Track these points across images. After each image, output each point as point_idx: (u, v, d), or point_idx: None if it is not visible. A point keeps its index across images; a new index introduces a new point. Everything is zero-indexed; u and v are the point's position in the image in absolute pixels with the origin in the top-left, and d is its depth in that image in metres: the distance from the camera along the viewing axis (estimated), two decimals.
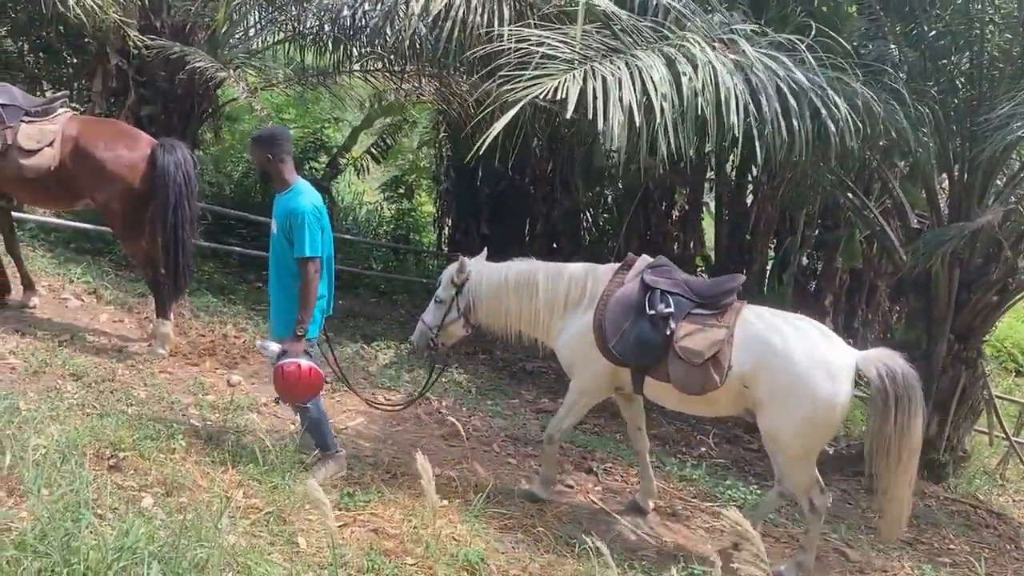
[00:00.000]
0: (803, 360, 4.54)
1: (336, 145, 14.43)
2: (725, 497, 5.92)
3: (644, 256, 5.15)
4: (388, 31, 8.94)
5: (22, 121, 6.19)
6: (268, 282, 4.91)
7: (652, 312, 4.77)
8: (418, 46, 8.77)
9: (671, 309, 4.76)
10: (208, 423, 5.22)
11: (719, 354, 4.59)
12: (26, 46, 10.29)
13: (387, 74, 10.19)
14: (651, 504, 5.51)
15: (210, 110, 10.45)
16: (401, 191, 16.01)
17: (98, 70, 9.61)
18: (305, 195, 4.63)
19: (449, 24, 7.58)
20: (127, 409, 4.99)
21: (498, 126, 4.76)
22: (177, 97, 9.79)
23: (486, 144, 4.79)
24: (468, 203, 13.65)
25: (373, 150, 15.08)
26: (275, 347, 4.60)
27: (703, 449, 7.54)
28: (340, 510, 4.42)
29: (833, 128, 5.92)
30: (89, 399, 4.86)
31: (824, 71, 5.98)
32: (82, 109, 10.01)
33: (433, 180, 15.49)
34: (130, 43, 8.68)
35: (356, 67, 10.43)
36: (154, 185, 6.10)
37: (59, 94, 7.13)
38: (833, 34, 6.30)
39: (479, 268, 5.36)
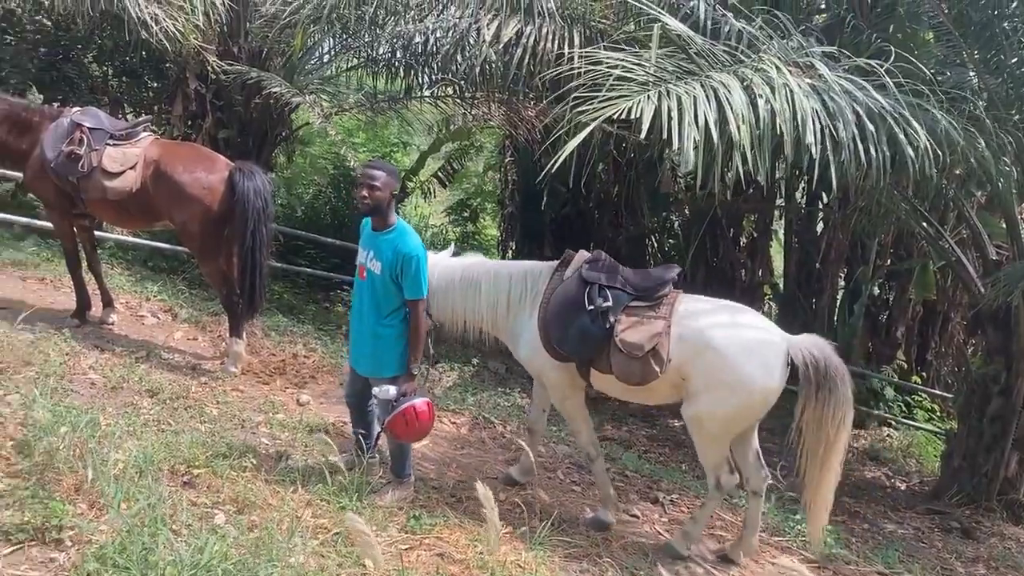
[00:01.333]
0: (737, 351, 4.67)
1: (404, 169, 14.63)
2: (794, 532, 5.77)
3: (582, 252, 5.22)
4: (459, 58, 9.04)
5: (107, 144, 6.37)
6: (354, 316, 4.88)
7: (591, 307, 4.85)
8: (488, 72, 8.84)
9: (609, 303, 4.84)
10: (278, 442, 5.29)
11: (658, 346, 4.69)
12: (110, 71, 10.65)
13: (457, 100, 10.29)
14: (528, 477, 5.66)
15: (284, 134, 10.67)
16: (466, 214, 16.17)
17: (178, 94, 9.89)
18: (412, 236, 4.66)
19: (520, 51, 7.67)
20: (200, 426, 5.08)
21: (570, 146, 4.76)
22: (252, 121, 10.02)
23: (556, 165, 4.80)
24: (532, 227, 13.66)
25: (440, 174, 15.27)
26: (394, 390, 4.59)
27: (771, 482, 7.36)
28: (406, 533, 4.42)
29: (912, 155, 5.78)
30: (164, 416, 4.96)
31: (904, 96, 5.85)
32: (162, 132, 10.34)
33: (498, 204, 15.57)
34: (209, 68, 8.94)
35: (426, 93, 10.58)
36: (231, 207, 6.24)
37: (143, 118, 7.31)
38: (912, 59, 6.17)
39: (435, 262, 5.32)
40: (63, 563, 3.17)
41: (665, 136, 4.88)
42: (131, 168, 6.31)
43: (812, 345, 4.73)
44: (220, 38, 9.36)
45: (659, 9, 5.82)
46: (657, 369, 4.69)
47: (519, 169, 13.60)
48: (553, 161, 4.90)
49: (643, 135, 4.84)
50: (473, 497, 5.18)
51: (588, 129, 4.87)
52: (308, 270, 10.87)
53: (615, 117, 4.91)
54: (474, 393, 7.88)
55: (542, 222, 13.52)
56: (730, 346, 4.68)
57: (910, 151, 5.78)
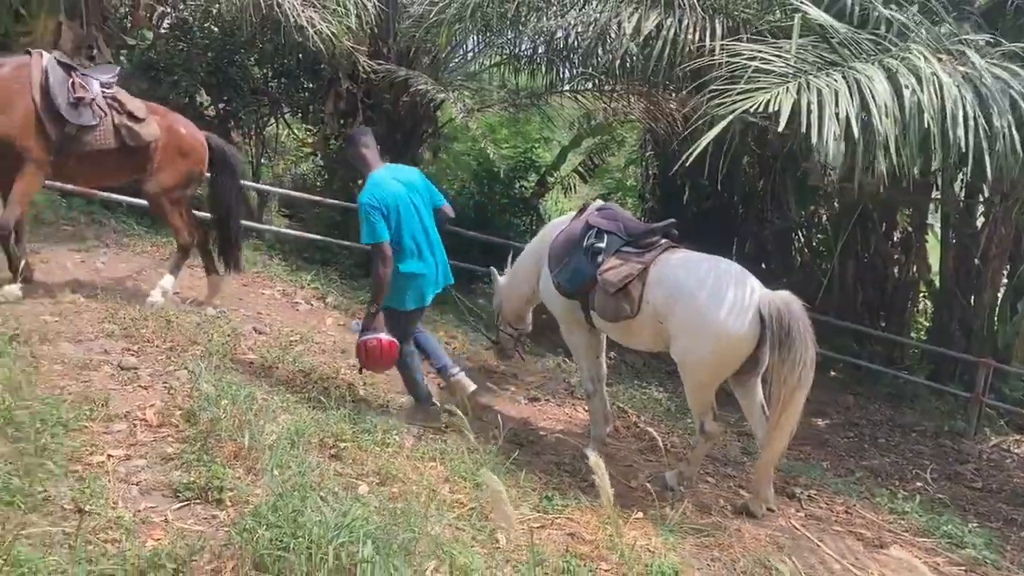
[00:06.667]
0: (707, 296, 4.90)
1: (545, 164, 14.79)
2: (940, 533, 5.54)
3: (598, 201, 5.89)
4: (599, 52, 9.11)
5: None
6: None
7: (586, 246, 5.35)
8: (628, 65, 8.87)
9: (603, 244, 5.32)
10: (419, 422, 5.54)
11: (629, 285, 5.10)
12: (270, 73, 11.31)
13: (596, 93, 10.36)
14: (609, 427, 6.06)
15: (429, 131, 11.04)
16: None
17: (330, 93, 10.43)
18: (368, 187, 5.26)
19: (660, 43, 7.66)
20: (348, 405, 5.38)
21: (706, 139, 4.77)
22: (400, 118, 10.43)
23: (692, 158, 4.82)
24: (676, 224, 13.51)
25: (580, 169, 15.32)
26: (355, 324, 5.48)
27: (919, 484, 7.07)
28: (539, 512, 4.56)
29: None
30: (315, 394, 5.28)
31: None
32: (316, 131, 10.91)
33: (639, 198, 15.50)
34: (360, 68, 9.38)
35: (567, 87, 10.69)
36: None
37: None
38: None
39: (503, 276, 6.51)
40: (223, 519, 3.47)
41: (804, 129, 4.81)
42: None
43: (782, 301, 4.82)
44: (371, 39, 9.81)
45: None
46: (627, 307, 5.12)
47: (659, 163, 13.49)
48: (687, 155, 4.94)
49: (781, 128, 4.78)
50: None
51: (723, 123, 4.87)
52: (451, 262, 11.17)
53: (752, 110, 4.88)
54: (609, 384, 7.91)
55: (684, 217, 13.33)
56: (700, 292, 4.93)
57: None
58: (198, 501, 3.60)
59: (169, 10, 10.58)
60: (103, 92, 6.18)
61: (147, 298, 6.34)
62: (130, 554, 3.01)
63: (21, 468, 3.38)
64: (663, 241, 5.36)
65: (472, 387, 5.72)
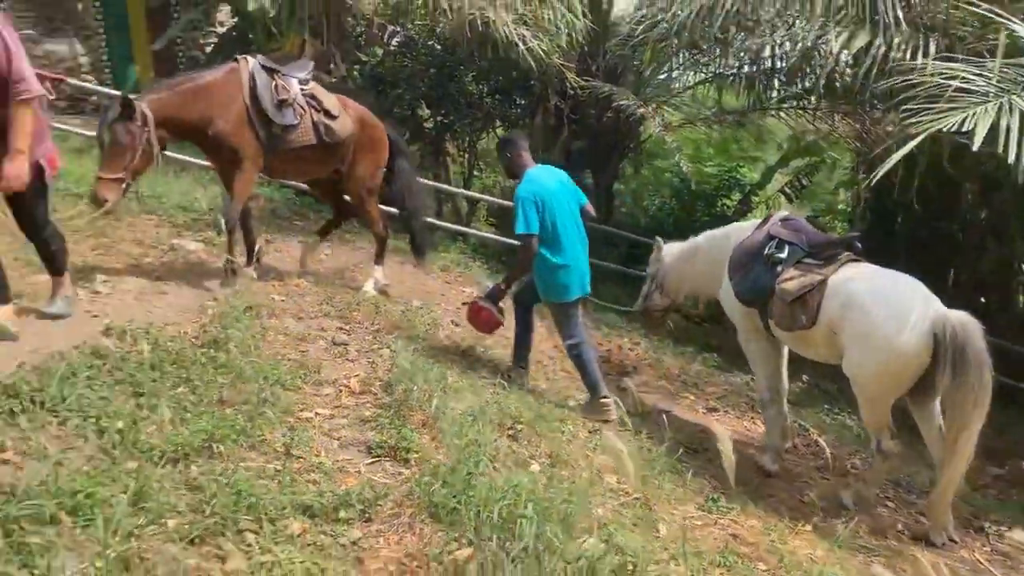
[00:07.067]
0: (880, 310, 4.84)
1: (750, 183, 14.63)
2: None
3: (781, 212, 6.03)
4: (806, 70, 9.02)
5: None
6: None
7: (766, 255, 5.44)
8: (836, 84, 8.73)
9: (783, 255, 5.37)
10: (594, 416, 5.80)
11: (807, 296, 5.14)
12: (485, 88, 11.99)
13: (801, 112, 10.23)
14: (788, 444, 6.16)
15: (631, 146, 11.31)
16: None
17: (539, 109, 10.94)
18: (524, 182, 5.69)
19: (868, 62, 7.53)
20: (529, 394, 5.74)
21: (895, 158, 4.75)
22: (604, 133, 10.78)
23: (877, 178, 4.81)
24: (884, 248, 12.97)
25: (787, 189, 14.99)
26: (486, 283, 6.02)
27: None
28: (703, 512, 4.69)
29: None
30: (499, 381, 5.67)
31: None
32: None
33: (848, 222, 14.96)
34: (568, 85, 9.80)
35: (772, 106, 10.62)
36: None
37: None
38: None
39: (669, 247, 6.65)
40: (406, 476, 3.89)
41: (1002, 150, 4.66)
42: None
43: (958, 321, 4.69)
44: (580, 57, 10.22)
45: (1007, 15, 5.48)
46: (803, 318, 5.14)
47: (871, 186, 12.99)
48: (875, 173, 4.91)
49: (975, 147, 4.66)
50: (773, 495, 5.37)
51: (913, 143, 4.81)
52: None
53: (946, 129, 4.78)
54: (799, 406, 7.82)
55: (895, 244, 12.79)
56: (874, 305, 4.87)
57: None
58: (387, 458, 4.05)
59: (398, 29, 11.51)
60: (301, 90, 6.53)
61: (362, 288, 6.99)
62: (327, 492, 3.48)
63: (245, 414, 3.96)
64: (845, 254, 5.34)
65: (614, 418, 5.66)
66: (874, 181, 4.95)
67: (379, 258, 7.32)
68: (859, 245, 5.44)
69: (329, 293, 6.63)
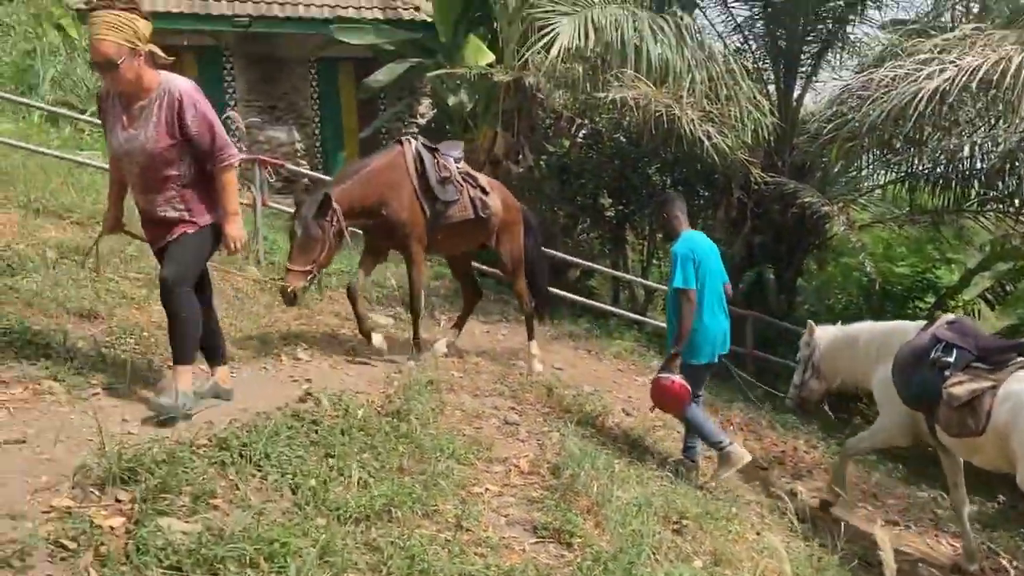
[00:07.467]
0: None
1: (946, 286, 13.91)
2: None
3: (948, 315, 5.90)
4: (1008, 171, 8.64)
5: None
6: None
7: (932, 359, 5.29)
8: None
9: (951, 359, 5.21)
10: (765, 519, 5.68)
11: (975, 401, 5.00)
12: (668, 180, 12.18)
13: (999, 216, 9.74)
14: (974, 566, 5.77)
15: (816, 242, 11.10)
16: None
17: (723, 202, 10.99)
18: (680, 242, 5.89)
19: None
20: (696, 490, 5.70)
21: None
22: (788, 228, 10.66)
23: None
24: None
25: (988, 294, 14.14)
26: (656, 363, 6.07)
27: None
28: None
29: None
30: (666, 473, 5.67)
31: None
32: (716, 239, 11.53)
33: None
34: (752, 179, 9.82)
35: (971, 208, 10.18)
36: None
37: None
38: None
39: (823, 330, 6.57)
40: (569, 559, 3.97)
41: None
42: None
43: None
44: (765, 152, 10.23)
45: None
46: (972, 424, 5.00)
47: None
48: None
49: None
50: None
51: None
52: None
53: None
54: (992, 530, 7.29)
55: None
56: None
57: None
58: (551, 540, 4.15)
59: (586, 122, 11.97)
60: (457, 168, 6.83)
61: (532, 369, 7.24)
62: (493, 566, 3.62)
63: (422, 483, 4.20)
64: (1018, 359, 5.14)
65: (747, 457, 5.85)
66: None
67: (531, 333, 7.58)
68: None
69: (503, 372, 6.89)
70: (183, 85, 4.18)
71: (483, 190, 6.94)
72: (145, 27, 4.04)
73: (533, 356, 7.43)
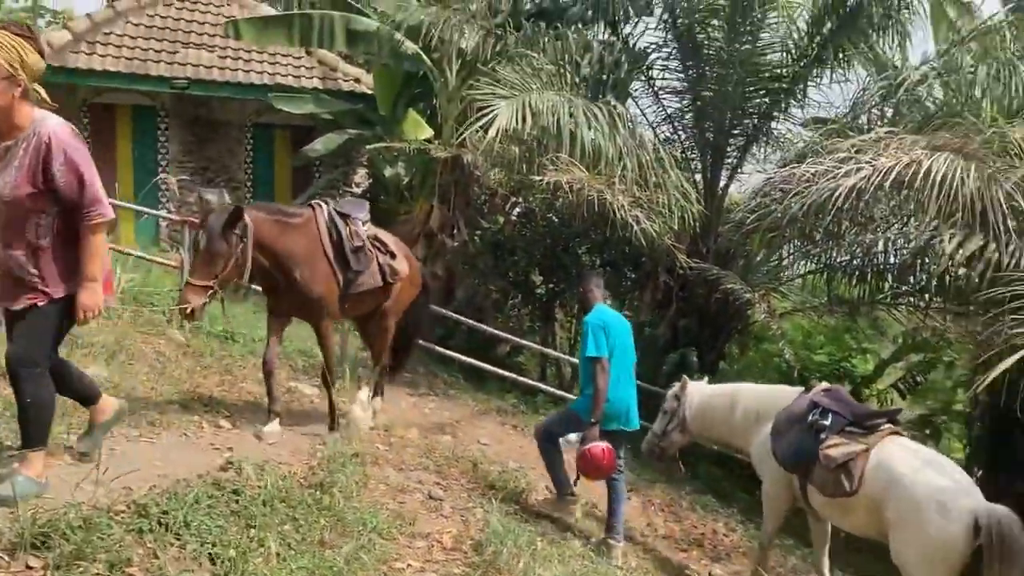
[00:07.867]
0: (920, 493, 4.90)
1: (862, 375, 14.39)
2: None
3: (823, 383, 6.22)
4: (918, 268, 9.09)
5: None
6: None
7: (809, 422, 5.55)
8: (947, 284, 8.75)
9: (827, 422, 5.49)
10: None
11: (850, 463, 5.23)
12: (597, 260, 12.46)
13: (912, 309, 10.20)
14: None
15: (738, 328, 11.42)
16: (927, 431, 15.16)
17: (649, 284, 11.27)
18: (594, 312, 6.16)
19: (981, 266, 7.57)
20: (618, 570, 5.73)
21: (1000, 368, 4.76)
22: (711, 313, 10.96)
23: (984, 383, 4.81)
24: (1005, 455, 12.39)
25: (900, 385, 14.67)
26: (574, 437, 6.22)
27: None
28: None
29: None
30: (589, 554, 5.69)
31: None
32: (629, 315, 11.75)
33: (965, 424, 14.41)
34: (677, 264, 10.11)
35: (884, 300, 10.63)
36: None
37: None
38: None
39: (696, 387, 6.72)
40: None
41: None
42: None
43: (1005, 515, 4.67)
44: (691, 238, 10.58)
45: None
46: (847, 484, 5.21)
47: (988, 391, 12.59)
48: (984, 379, 4.92)
49: None
50: None
51: (1018, 355, 4.83)
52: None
53: None
54: None
55: (1018, 451, 12.21)
56: (916, 486, 4.94)
57: None
58: None
59: (521, 201, 12.22)
60: (365, 231, 6.51)
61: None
62: None
63: (343, 557, 4.14)
64: (887, 425, 5.48)
65: (618, 562, 6.00)
66: (980, 388, 4.93)
67: (378, 388, 7.32)
68: (900, 420, 5.71)
69: (428, 447, 6.86)
70: (55, 127, 3.69)
71: (392, 255, 6.70)
72: (35, 61, 3.64)
73: (359, 401, 6.91)
